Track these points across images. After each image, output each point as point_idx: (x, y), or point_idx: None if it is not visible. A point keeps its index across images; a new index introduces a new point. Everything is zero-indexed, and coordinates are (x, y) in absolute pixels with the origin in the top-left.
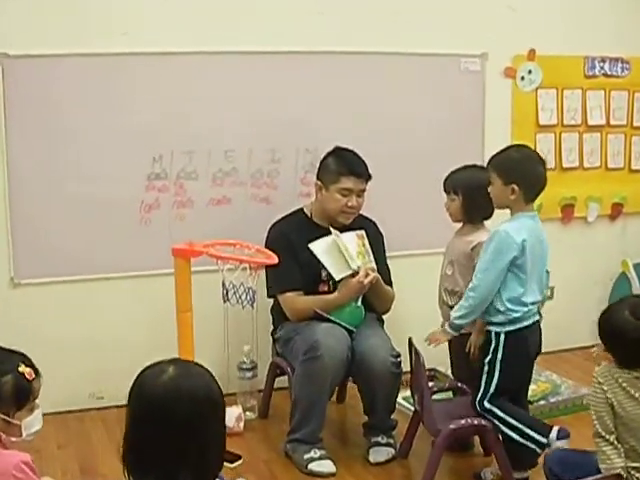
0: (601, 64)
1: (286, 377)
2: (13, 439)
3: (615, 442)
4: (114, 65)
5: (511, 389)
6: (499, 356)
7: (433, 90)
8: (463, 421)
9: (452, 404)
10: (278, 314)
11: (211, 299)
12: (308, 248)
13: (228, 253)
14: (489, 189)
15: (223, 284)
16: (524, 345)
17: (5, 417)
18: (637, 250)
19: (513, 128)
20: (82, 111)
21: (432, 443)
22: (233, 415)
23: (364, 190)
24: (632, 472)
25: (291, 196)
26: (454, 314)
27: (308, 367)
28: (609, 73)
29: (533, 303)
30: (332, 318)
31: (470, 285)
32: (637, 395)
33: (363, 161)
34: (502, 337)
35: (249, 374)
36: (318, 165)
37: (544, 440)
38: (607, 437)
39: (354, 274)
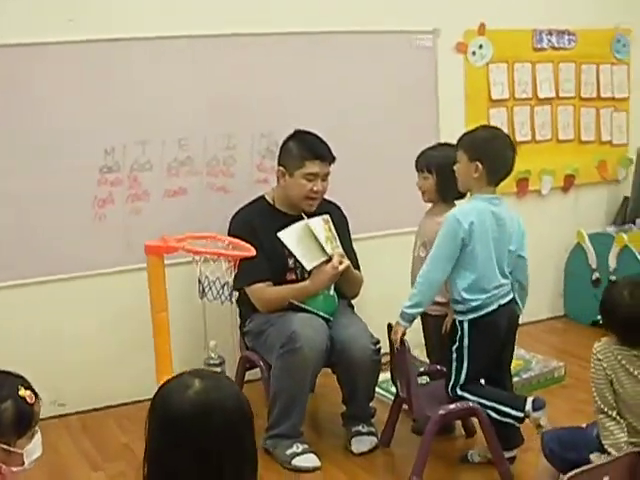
0: (549, 37)
1: (253, 371)
2: (14, 469)
3: (617, 417)
4: (62, 54)
5: (483, 373)
6: (465, 344)
7: (386, 68)
8: (453, 406)
9: (432, 388)
10: (246, 306)
11: (172, 293)
12: (276, 237)
13: (201, 247)
14: (455, 167)
15: (199, 280)
16: (491, 331)
17: (6, 447)
18: (589, 221)
19: (467, 104)
20: (28, 102)
21: (412, 428)
22: None
23: (328, 173)
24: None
25: (248, 183)
26: (405, 304)
27: (287, 360)
28: (557, 45)
29: (497, 287)
30: (307, 307)
31: (420, 272)
32: (636, 373)
33: (326, 143)
34: (466, 325)
35: (217, 370)
36: (279, 150)
37: (520, 414)
38: (609, 412)
39: (328, 261)
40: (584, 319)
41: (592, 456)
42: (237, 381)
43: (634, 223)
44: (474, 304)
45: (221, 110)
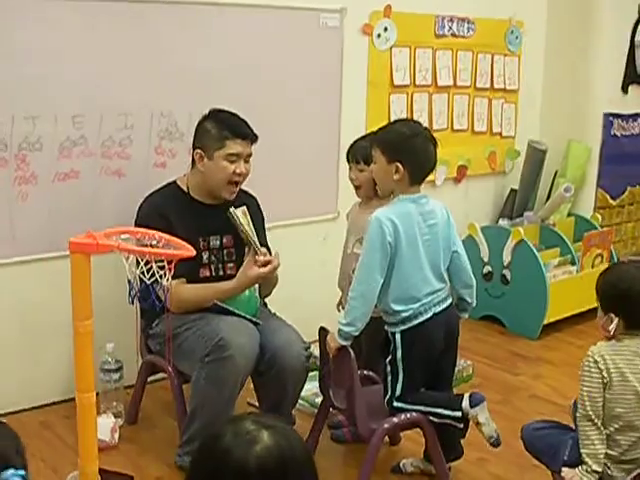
0: (450, 23)
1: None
2: None
3: (601, 427)
4: None
5: (419, 385)
6: (399, 356)
7: (291, 46)
8: (398, 419)
9: (365, 396)
10: None
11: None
12: (190, 229)
13: (131, 244)
14: (371, 167)
15: (129, 281)
16: (425, 341)
17: None
18: (478, 213)
19: (369, 89)
20: None
21: (331, 436)
22: (107, 426)
23: (251, 154)
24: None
25: (145, 166)
26: (341, 321)
27: (214, 370)
28: (456, 33)
29: (429, 294)
30: (231, 309)
31: (351, 285)
32: (631, 378)
33: (246, 121)
34: (398, 337)
35: (116, 376)
36: (194, 132)
37: (458, 414)
38: (595, 421)
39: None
40: (474, 313)
41: (564, 470)
42: (137, 390)
43: (521, 216)
44: (404, 315)
45: (118, 85)
